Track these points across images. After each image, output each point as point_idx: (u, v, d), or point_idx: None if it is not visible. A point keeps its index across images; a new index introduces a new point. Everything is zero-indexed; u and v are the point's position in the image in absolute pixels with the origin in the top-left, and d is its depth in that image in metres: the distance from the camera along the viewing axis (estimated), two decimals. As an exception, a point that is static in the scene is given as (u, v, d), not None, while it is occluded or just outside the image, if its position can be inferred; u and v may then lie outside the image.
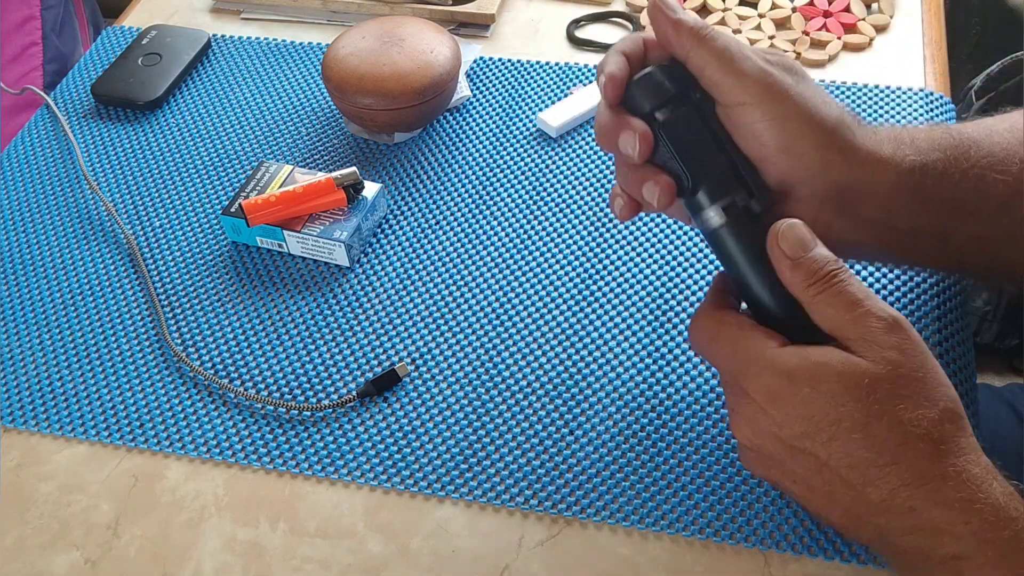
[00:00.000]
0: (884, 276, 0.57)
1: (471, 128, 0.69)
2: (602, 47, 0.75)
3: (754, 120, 0.42)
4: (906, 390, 0.38)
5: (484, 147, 0.67)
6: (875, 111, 0.67)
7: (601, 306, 0.57)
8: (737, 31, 0.74)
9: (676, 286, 0.58)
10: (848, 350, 0.39)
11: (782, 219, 0.42)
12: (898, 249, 0.49)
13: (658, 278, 0.58)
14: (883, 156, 0.45)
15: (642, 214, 0.54)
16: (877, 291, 0.56)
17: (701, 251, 0.60)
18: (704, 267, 0.59)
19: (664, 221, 0.61)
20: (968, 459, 0.38)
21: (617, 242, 0.60)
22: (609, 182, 0.65)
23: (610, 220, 0.62)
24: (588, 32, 0.77)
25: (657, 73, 0.43)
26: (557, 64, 0.73)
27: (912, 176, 0.45)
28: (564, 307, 0.57)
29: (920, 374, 0.38)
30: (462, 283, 0.59)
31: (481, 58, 0.74)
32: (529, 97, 0.71)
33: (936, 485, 0.38)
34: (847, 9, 0.75)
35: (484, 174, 0.66)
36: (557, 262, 0.60)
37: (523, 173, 0.65)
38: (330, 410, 0.53)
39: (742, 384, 0.41)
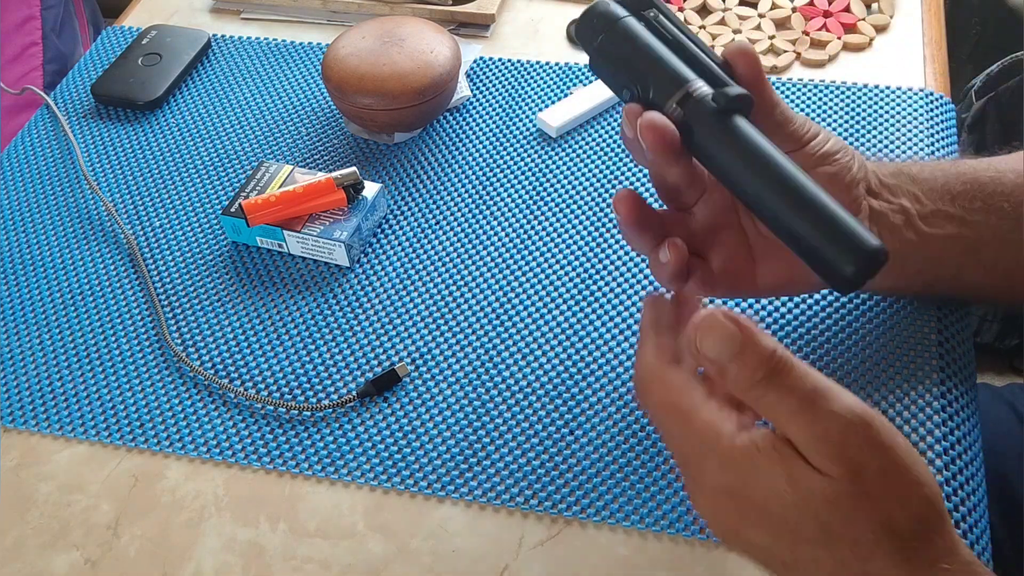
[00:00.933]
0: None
1: (471, 128, 0.69)
2: (602, 47, 0.74)
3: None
4: (870, 499, 0.34)
5: (484, 147, 0.67)
6: (875, 111, 0.67)
7: (601, 306, 0.57)
8: (737, 31, 0.74)
9: (676, 286, 0.58)
10: (805, 456, 0.34)
11: (698, 309, 0.38)
12: (911, 289, 0.50)
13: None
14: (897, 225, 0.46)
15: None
16: (872, 296, 0.56)
17: (701, 251, 0.60)
18: (704, 267, 0.59)
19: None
20: (942, 564, 0.34)
21: (617, 242, 0.60)
22: (609, 182, 0.65)
23: (610, 220, 0.62)
24: (588, 32, 0.76)
25: (594, 7, 0.42)
26: (557, 64, 0.73)
27: (928, 241, 0.46)
28: (564, 307, 0.57)
29: (889, 477, 0.34)
30: (462, 283, 0.59)
31: (481, 58, 0.74)
32: (529, 97, 0.71)
33: None
34: (847, 9, 0.75)
35: (484, 174, 0.66)
36: (557, 262, 0.60)
37: (523, 173, 0.65)
38: (330, 410, 0.53)
39: (694, 467, 0.37)
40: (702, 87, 0.40)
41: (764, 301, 0.56)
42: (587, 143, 0.67)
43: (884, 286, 0.50)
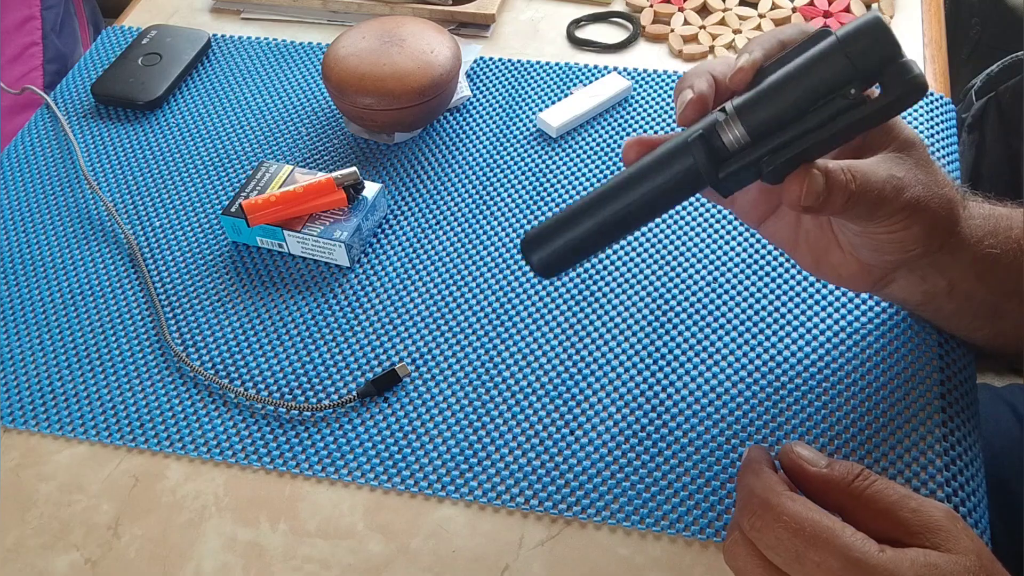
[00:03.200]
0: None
1: (471, 128, 0.69)
2: (602, 47, 0.75)
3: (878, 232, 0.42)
4: (994, 568, 0.38)
5: (484, 147, 0.67)
6: (875, 111, 0.67)
7: (601, 306, 0.57)
8: (737, 31, 0.74)
9: (676, 286, 0.58)
10: (925, 547, 0.37)
11: (784, 447, 0.41)
12: (943, 314, 0.50)
13: (658, 278, 0.58)
14: (971, 241, 0.45)
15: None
16: (872, 296, 0.56)
17: (701, 251, 0.60)
18: (704, 267, 0.59)
19: (664, 222, 0.61)
20: None
21: (632, 237, 0.60)
22: (609, 182, 0.64)
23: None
24: (588, 32, 0.77)
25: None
26: (557, 64, 0.73)
27: (984, 262, 0.46)
28: (564, 307, 0.57)
29: (993, 559, 0.38)
30: (462, 283, 0.59)
31: (481, 58, 0.74)
32: (529, 97, 0.71)
33: None
34: (847, 9, 0.74)
35: (484, 174, 0.66)
36: (557, 262, 0.60)
37: (523, 173, 0.65)
38: (330, 410, 0.53)
39: None
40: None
41: (762, 305, 0.56)
42: (587, 143, 0.67)
43: (936, 285, 0.49)
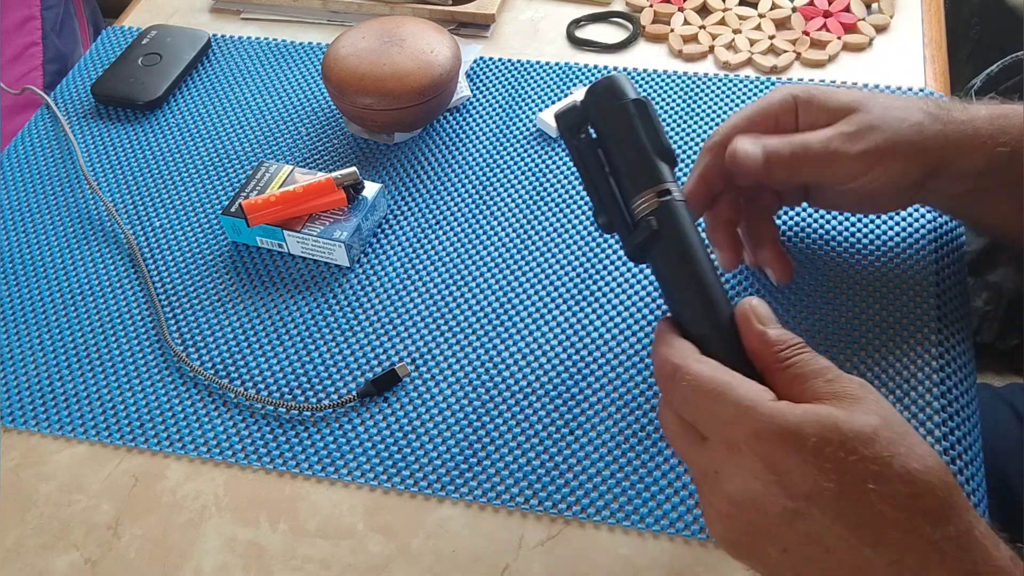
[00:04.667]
0: (884, 276, 0.57)
1: (471, 128, 0.69)
2: (602, 47, 0.75)
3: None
4: (902, 440, 0.37)
5: (484, 147, 0.67)
6: (875, 111, 0.67)
7: (601, 306, 0.57)
8: (737, 31, 0.74)
9: (676, 286, 0.58)
10: (839, 396, 0.38)
11: (746, 298, 0.42)
12: (973, 212, 0.54)
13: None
14: (976, 144, 0.49)
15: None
16: (877, 288, 0.56)
17: (701, 251, 0.60)
18: (704, 267, 0.59)
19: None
20: (972, 517, 0.36)
21: (617, 241, 0.60)
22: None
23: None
24: (588, 32, 0.77)
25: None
26: (557, 64, 0.73)
27: (1000, 160, 0.49)
28: (564, 307, 0.57)
29: (907, 427, 0.38)
30: (462, 283, 0.59)
31: (481, 58, 0.74)
32: (529, 97, 0.71)
33: (945, 547, 0.35)
34: (847, 9, 0.74)
35: (484, 174, 0.66)
36: (557, 262, 0.60)
37: (523, 173, 0.65)
38: (330, 410, 0.53)
39: (735, 444, 0.38)
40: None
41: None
42: (587, 143, 0.67)
43: (957, 190, 0.52)
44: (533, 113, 0.69)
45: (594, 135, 0.46)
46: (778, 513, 0.36)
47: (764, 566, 0.38)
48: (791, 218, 0.61)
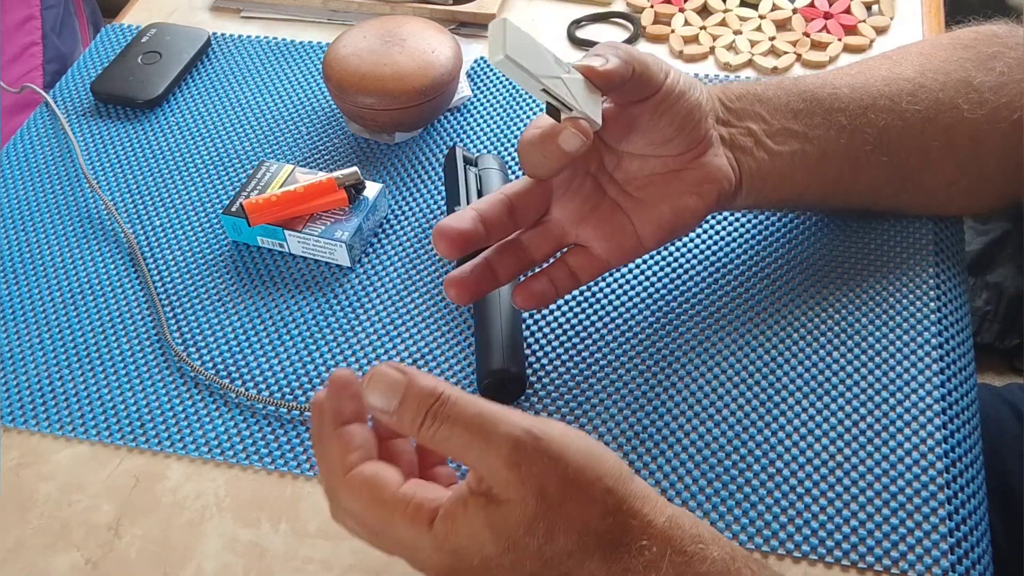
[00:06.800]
0: (884, 277, 0.57)
1: (471, 128, 0.69)
2: (603, 47, 0.74)
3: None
4: (562, 513, 0.35)
5: (484, 147, 0.67)
6: (876, 112, 0.67)
7: (602, 306, 0.57)
8: (738, 32, 0.74)
9: (677, 287, 0.58)
10: (486, 492, 0.36)
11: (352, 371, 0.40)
12: (767, 206, 0.57)
13: (659, 278, 0.58)
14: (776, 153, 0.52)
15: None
16: (872, 297, 0.56)
17: (701, 252, 0.60)
18: (704, 268, 0.59)
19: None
20: (640, 547, 0.36)
21: (618, 242, 0.60)
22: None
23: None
24: (588, 32, 0.77)
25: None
26: (558, 64, 0.73)
27: (776, 159, 0.52)
28: (564, 307, 0.57)
29: (568, 486, 0.35)
30: (463, 283, 0.59)
31: (482, 58, 0.74)
32: (529, 97, 0.71)
33: None
34: (848, 11, 0.75)
35: (485, 174, 0.66)
36: (558, 262, 0.60)
37: (523, 173, 0.65)
38: (331, 410, 0.53)
39: (417, 561, 0.38)
40: None
41: (763, 306, 0.56)
42: (588, 143, 0.67)
43: (744, 205, 0.54)
44: (533, 113, 0.69)
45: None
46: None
47: None
48: (791, 219, 0.61)
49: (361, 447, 0.38)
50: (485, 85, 0.72)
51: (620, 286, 0.58)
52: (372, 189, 0.61)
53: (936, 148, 0.54)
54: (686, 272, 0.59)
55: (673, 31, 0.75)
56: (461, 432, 0.36)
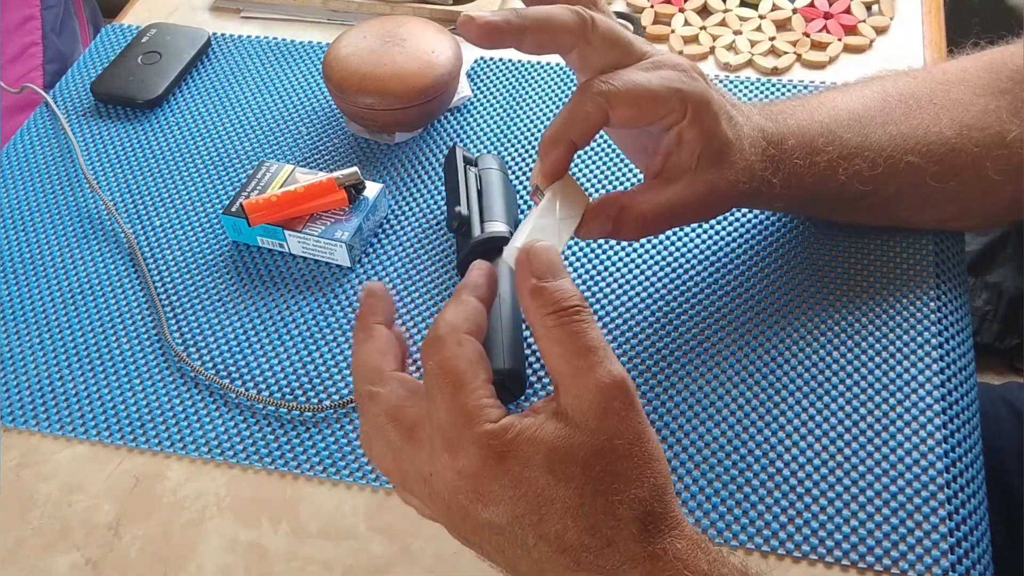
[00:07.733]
0: (884, 277, 0.57)
1: (471, 128, 0.69)
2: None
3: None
4: (621, 466, 0.36)
5: (484, 147, 0.67)
6: (876, 112, 0.67)
7: (602, 306, 0.57)
8: (738, 32, 0.74)
9: (677, 287, 0.58)
10: (564, 412, 0.36)
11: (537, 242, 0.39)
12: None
13: (659, 279, 0.58)
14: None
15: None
16: (872, 297, 0.56)
17: (702, 252, 0.60)
18: (705, 268, 0.59)
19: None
20: (673, 535, 0.36)
21: (617, 242, 0.60)
22: (609, 182, 0.65)
23: (611, 220, 0.62)
24: (589, 32, 0.76)
25: None
26: (558, 64, 0.73)
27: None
28: (565, 307, 0.57)
29: (636, 448, 0.36)
30: (463, 283, 0.59)
31: (482, 58, 0.74)
32: (529, 97, 0.71)
33: (646, 567, 0.36)
34: (848, 11, 0.75)
35: (485, 174, 0.66)
36: (558, 262, 0.60)
37: (523, 173, 0.65)
38: (332, 410, 0.53)
39: (446, 448, 0.37)
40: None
41: (763, 306, 0.56)
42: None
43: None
44: (533, 113, 0.69)
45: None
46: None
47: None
48: (792, 219, 0.61)
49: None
50: (485, 85, 0.72)
51: (620, 286, 0.58)
52: (372, 189, 0.61)
53: (942, 194, 0.54)
54: (686, 272, 0.59)
55: (673, 31, 0.75)
56: (576, 346, 0.36)
